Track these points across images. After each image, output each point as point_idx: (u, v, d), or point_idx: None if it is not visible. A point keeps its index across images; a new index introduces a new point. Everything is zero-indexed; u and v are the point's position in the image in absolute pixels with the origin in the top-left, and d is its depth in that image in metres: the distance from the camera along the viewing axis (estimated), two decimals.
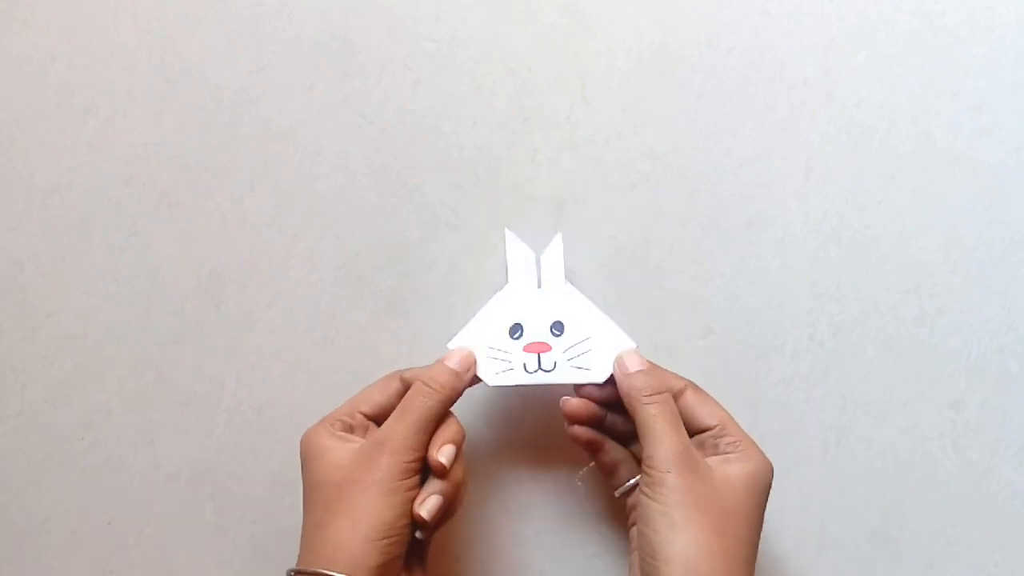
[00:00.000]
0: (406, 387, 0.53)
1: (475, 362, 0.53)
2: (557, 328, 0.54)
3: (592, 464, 0.58)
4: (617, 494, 0.54)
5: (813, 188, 0.60)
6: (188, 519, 0.61)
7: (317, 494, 0.50)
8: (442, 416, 0.52)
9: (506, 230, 0.56)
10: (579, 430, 0.54)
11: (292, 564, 0.49)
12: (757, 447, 0.51)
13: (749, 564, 0.49)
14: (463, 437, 0.52)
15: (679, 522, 0.48)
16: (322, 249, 0.62)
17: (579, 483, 0.60)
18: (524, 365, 0.54)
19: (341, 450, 0.50)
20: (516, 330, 0.54)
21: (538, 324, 0.54)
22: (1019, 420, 0.59)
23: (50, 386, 0.62)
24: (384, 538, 0.48)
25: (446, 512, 0.51)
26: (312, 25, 0.62)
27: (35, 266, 0.62)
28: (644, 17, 0.62)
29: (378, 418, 0.53)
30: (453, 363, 0.53)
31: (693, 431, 0.52)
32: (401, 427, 0.50)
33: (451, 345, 0.54)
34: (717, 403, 0.53)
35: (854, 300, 0.60)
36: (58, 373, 0.62)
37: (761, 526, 0.50)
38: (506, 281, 0.55)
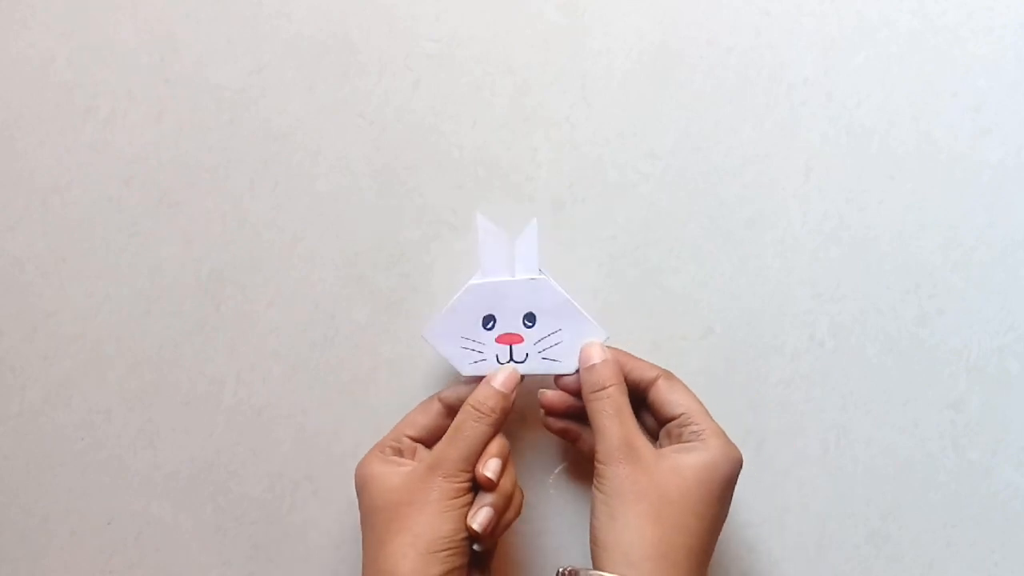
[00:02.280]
0: (446, 406, 0.55)
1: (520, 380, 0.55)
2: (529, 319, 0.55)
3: (564, 466, 0.59)
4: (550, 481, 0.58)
5: (813, 188, 0.60)
6: (188, 519, 0.61)
7: (376, 517, 0.52)
8: (492, 438, 0.53)
9: (477, 214, 0.55)
10: (552, 420, 0.56)
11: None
12: (723, 438, 0.52)
13: (694, 552, 0.50)
14: (508, 450, 0.54)
15: (615, 509, 0.50)
16: (322, 249, 0.62)
17: (552, 490, 0.60)
18: (496, 356, 0.55)
19: (394, 474, 0.53)
20: (489, 321, 0.55)
21: (511, 315, 0.55)
22: (1019, 420, 0.59)
23: (50, 386, 0.62)
24: (443, 550, 0.50)
25: (500, 523, 0.53)
26: (312, 25, 0.62)
27: (35, 266, 0.62)
28: (644, 17, 0.62)
29: (424, 440, 0.55)
30: (499, 384, 0.54)
31: (663, 420, 0.54)
32: (453, 452, 0.52)
33: (425, 334, 0.55)
34: (688, 392, 0.54)
35: (854, 300, 0.60)
36: (58, 373, 0.62)
37: (717, 516, 0.51)
38: (478, 268, 0.55)
